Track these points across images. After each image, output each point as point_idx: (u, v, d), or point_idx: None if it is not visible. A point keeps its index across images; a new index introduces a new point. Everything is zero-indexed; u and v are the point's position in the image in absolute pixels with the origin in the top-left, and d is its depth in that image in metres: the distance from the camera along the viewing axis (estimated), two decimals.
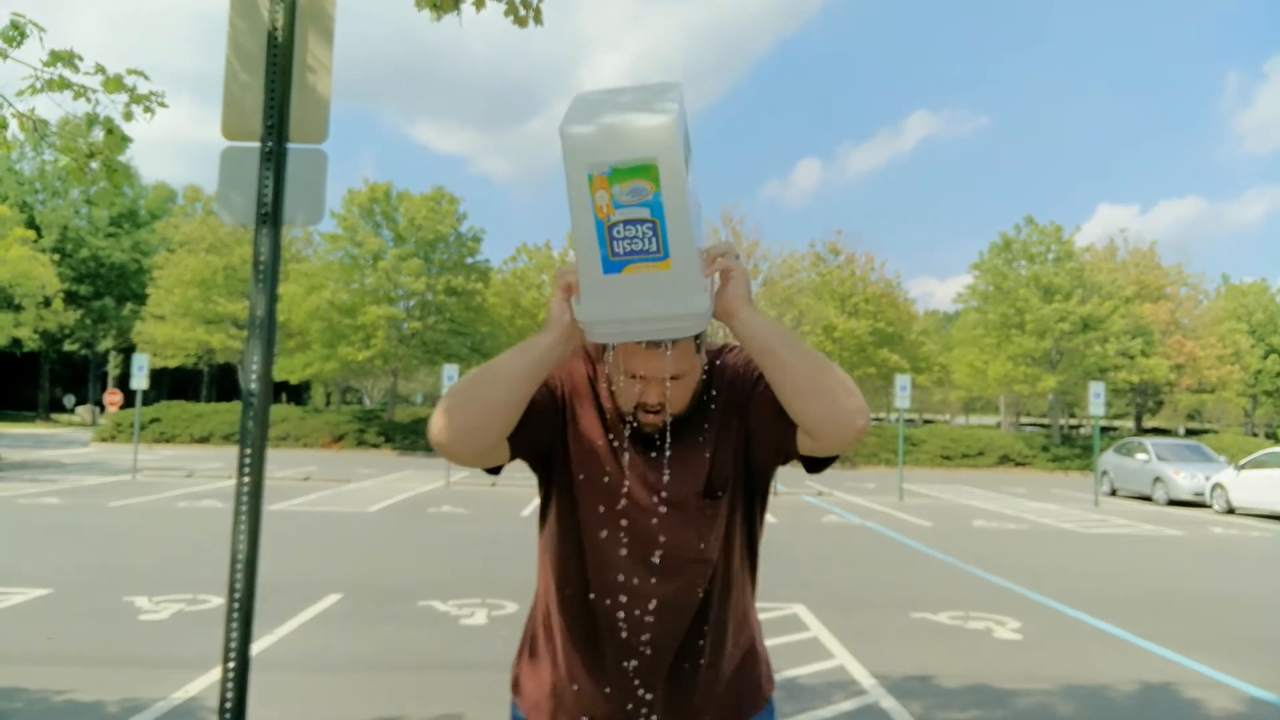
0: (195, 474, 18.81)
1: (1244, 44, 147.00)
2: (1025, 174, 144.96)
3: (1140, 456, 21.16)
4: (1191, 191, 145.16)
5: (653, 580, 1.72)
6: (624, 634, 1.73)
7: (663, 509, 1.71)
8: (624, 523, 1.72)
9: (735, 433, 1.74)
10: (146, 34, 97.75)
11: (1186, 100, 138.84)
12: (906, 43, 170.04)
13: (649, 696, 1.75)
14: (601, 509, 1.73)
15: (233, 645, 2.94)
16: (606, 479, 1.73)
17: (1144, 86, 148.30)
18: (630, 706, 1.75)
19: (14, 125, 3.76)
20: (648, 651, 1.74)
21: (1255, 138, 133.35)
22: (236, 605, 2.95)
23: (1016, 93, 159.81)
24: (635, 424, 1.69)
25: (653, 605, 1.72)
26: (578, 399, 1.77)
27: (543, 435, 1.73)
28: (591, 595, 1.74)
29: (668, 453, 1.72)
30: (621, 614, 1.73)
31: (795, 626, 6.42)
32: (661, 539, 1.71)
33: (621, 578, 1.72)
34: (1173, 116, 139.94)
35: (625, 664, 1.74)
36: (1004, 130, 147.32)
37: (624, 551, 1.72)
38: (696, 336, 1.63)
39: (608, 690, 1.75)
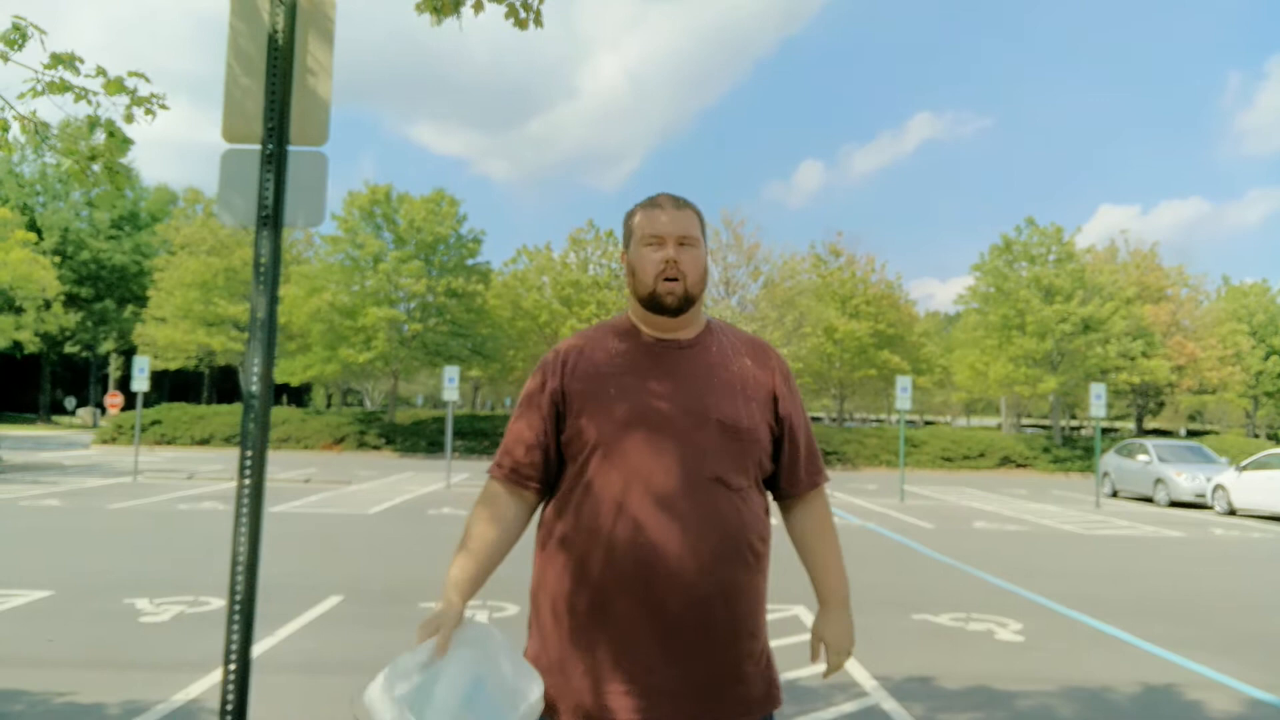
0: (196, 476, 18.81)
1: (1244, 43, 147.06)
2: (1027, 175, 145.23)
3: (1141, 458, 21.15)
4: (1193, 192, 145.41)
5: (677, 527, 1.77)
6: (640, 611, 1.76)
7: (684, 421, 1.84)
8: (645, 441, 1.82)
9: (763, 389, 1.95)
10: (146, 36, 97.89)
11: (1188, 100, 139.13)
12: (909, 44, 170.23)
13: (651, 679, 1.77)
14: (620, 435, 1.83)
15: (234, 647, 2.94)
16: (625, 396, 1.87)
17: (1145, 87, 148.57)
18: (634, 691, 1.76)
19: (15, 128, 3.77)
20: (659, 629, 1.77)
21: (1256, 138, 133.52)
22: (237, 607, 2.95)
23: (1019, 94, 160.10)
24: (657, 301, 1.88)
25: (671, 568, 1.76)
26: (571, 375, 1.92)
27: (557, 442, 1.92)
28: (608, 562, 1.78)
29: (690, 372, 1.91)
30: (641, 581, 1.77)
31: (796, 628, 6.41)
32: (679, 452, 1.81)
33: (646, 530, 1.77)
34: (1174, 117, 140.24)
35: (640, 648, 1.77)
36: (1006, 131, 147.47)
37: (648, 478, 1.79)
38: (701, 220, 1.95)
39: (611, 680, 1.77)
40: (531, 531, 1.98)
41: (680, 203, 1.93)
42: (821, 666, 1.98)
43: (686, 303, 1.89)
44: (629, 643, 1.76)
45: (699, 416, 1.83)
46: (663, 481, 1.78)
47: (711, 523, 1.78)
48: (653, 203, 1.94)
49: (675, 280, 1.87)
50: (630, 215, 1.97)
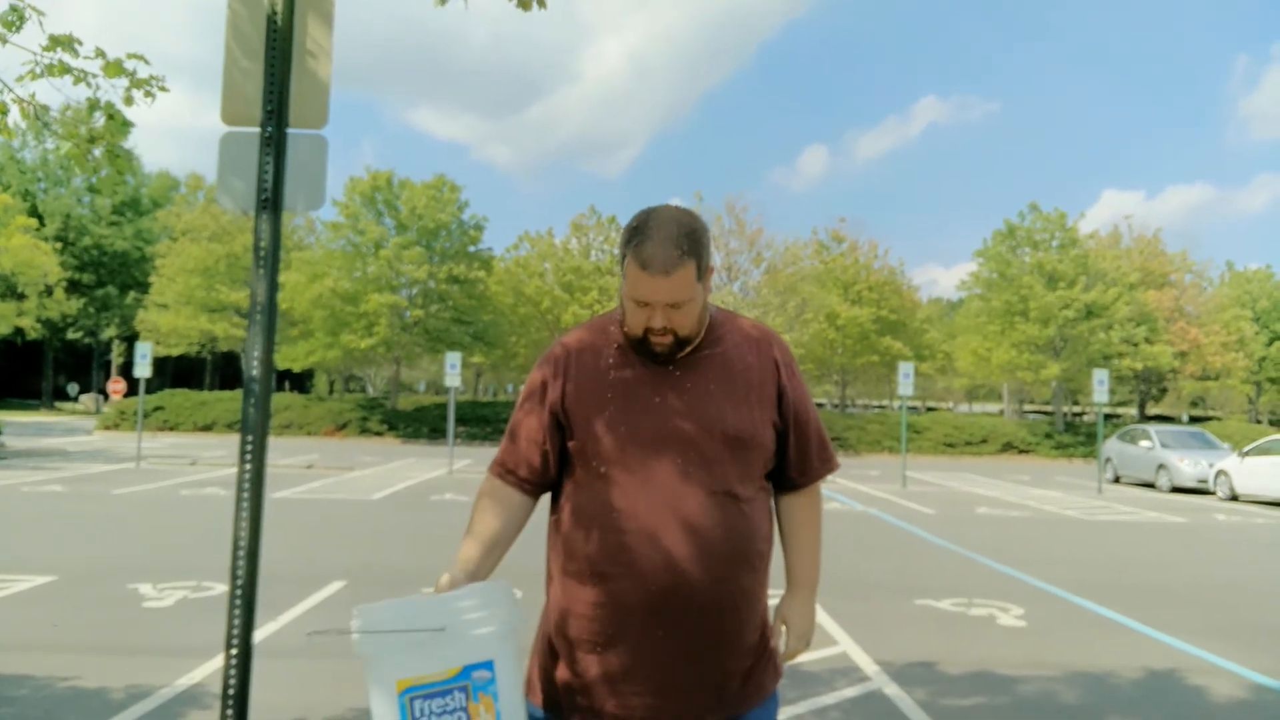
0: (199, 462, 18.85)
1: (1251, 26, 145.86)
2: (1032, 159, 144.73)
3: (1144, 444, 21.15)
4: (1199, 177, 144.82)
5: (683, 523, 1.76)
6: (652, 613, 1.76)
7: (687, 427, 1.80)
8: (654, 451, 1.78)
9: (765, 392, 1.88)
10: (144, 19, 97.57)
11: (1193, 84, 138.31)
12: (916, 27, 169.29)
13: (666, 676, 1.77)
14: (626, 442, 1.79)
15: (235, 632, 2.94)
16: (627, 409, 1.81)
17: (1151, 71, 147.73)
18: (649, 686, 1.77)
19: (15, 111, 3.74)
20: (669, 627, 1.76)
21: (1263, 123, 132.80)
22: (239, 592, 2.95)
23: (1025, 78, 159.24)
24: (646, 347, 1.81)
25: (679, 560, 1.75)
26: (577, 379, 1.87)
27: (557, 450, 1.88)
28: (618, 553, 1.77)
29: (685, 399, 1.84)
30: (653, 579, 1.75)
31: None
32: (683, 460, 1.78)
33: (656, 530, 1.75)
34: (1180, 101, 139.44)
35: (650, 649, 1.77)
36: (1012, 116, 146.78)
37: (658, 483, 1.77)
38: (700, 263, 1.77)
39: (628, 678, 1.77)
40: (531, 522, 1.96)
41: (673, 262, 1.70)
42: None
43: (678, 349, 1.81)
44: (645, 653, 1.76)
45: (707, 430, 1.79)
46: (678, 500, 1.76)
47: (725, 537, 1.77)
48: (644, 257, 1.71)
49: (663, 335, 1.78)
50: (625, 242, 1.77)
